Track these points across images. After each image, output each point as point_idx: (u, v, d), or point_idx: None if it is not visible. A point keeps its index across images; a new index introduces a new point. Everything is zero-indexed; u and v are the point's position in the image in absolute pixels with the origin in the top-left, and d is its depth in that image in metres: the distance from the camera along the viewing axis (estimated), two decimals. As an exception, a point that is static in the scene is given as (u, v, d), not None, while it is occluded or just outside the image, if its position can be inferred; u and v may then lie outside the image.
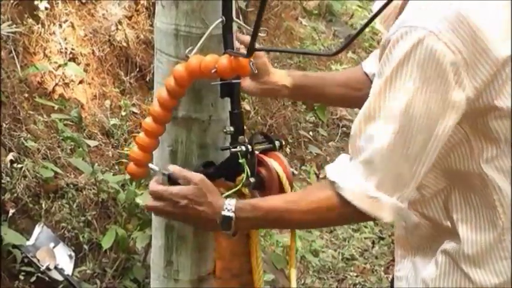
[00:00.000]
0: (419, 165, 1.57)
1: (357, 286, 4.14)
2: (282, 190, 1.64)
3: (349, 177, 1.58)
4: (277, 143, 1.69)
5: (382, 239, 4.59)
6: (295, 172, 1.74)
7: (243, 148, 1.61)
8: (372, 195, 1.56)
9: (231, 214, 1.58)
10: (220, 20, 1.57)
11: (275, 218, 1.62)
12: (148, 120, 1.62)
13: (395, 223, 1.90)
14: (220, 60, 1.52)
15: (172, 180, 1.62)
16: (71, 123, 3.84)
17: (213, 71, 1.52)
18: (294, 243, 1.74)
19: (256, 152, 1.65)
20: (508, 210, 1.72)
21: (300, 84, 2.00)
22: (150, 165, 1.67)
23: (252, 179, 1.62)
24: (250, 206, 1.61)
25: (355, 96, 2.01)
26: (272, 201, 1.63)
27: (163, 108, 1.59)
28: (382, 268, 4.31)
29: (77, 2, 4.30)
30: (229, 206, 1.59)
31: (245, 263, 1.66)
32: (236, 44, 1.68)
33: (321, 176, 5.12)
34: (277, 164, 1.64)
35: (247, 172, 1.61)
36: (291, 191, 1.65)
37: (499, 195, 1.70)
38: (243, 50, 1.65)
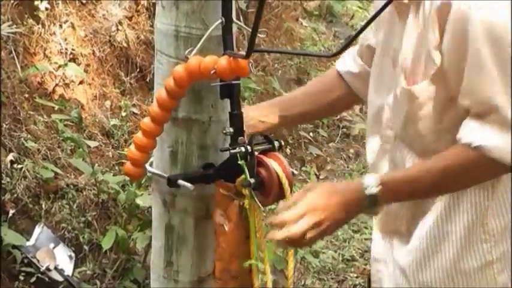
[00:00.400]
0: None
1: (357, 287, 4.14)
2: (281, 191, 1.64)
3: (489, 136, 1.64)
4: (276, 144, 1.69)
5: (382, 240, 4.58)
6: (295, 172, 1.74)
7: (243, 149, 1.61)
8: None
9: (376, 190, 1.63)
10: (220, 21, 1.57)
11: (418, 185, 1.68)
12: (147, 120, 1.62)
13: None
14: (219, 62, 1.52)
15: (172, 182, 1.62)
16: (71, 123, 3.84)
17: (212, 72, 1.52)
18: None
19: (256, 153, 1.65)
20: (500, 193, 1.77)
21: (274, 124, 2.00)
22: (148, 167, 1.67)
23: (252, 180, 1.62)
24: (392, 178, 1.69)
25: (327, 102, 2.04)
26: (411, 170, 1.71)
27: (162, 109, 1.59)
28: (382, 269, 4.31)
29: (77, 2, 4.30)
30: (371, 183, 1.64)
31: (248, 266, 1.66)
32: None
33: (321, 176, 5.12)
34: (276, 164, 1.64)
35: (246, 173, 1.61)
36: (291, 191, 1.65)
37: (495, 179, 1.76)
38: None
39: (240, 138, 1.63)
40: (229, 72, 1.53)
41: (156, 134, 1.63)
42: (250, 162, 1.62)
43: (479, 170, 1.68)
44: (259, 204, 1.65)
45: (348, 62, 2.05)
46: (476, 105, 1.66)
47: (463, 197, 1.77)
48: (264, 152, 1.68)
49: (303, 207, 1.61)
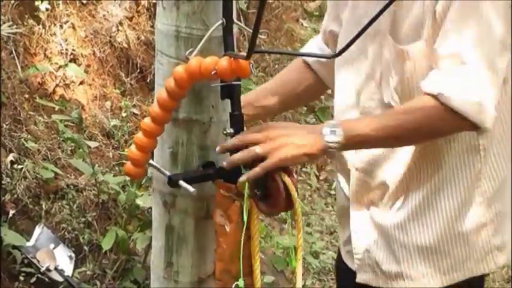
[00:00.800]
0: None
1: None
2: (287, 189, 1.62)
3: (452, 88, 1.65)
4: None
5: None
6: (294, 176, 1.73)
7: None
8: (478, 100, 1.65)
9: (336, 125, 1.64)
10: (220, 22, 1.57)
11: (382, 132, 1.66)
12: (147, 120, 1.62)
13: (353, 180, 1.93)
14: (220, 62, 1.52)
15: (173, 182, 1.62)
16: (71, 124, 3.85)
17: (213, 72, 1.52)
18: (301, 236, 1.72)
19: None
20: (492, 156, 1.82)
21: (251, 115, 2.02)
22: (151, 161, 1.67)
23: (258, 190, 1.61)
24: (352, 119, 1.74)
25: (298, 92, 2.09)
26: (374, 119, 1.72)
27: (162, 109, 1.59)
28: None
29: (77, 2, 4.30)
30: (330, 122, 1.66)
31: (245, 265, 1.65)
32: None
33: (321, 177, 5.12)
34: (284, 174, 1.62)
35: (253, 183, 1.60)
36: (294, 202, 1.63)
37: (485, 140, 1.80)
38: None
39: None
40: (230, 73, 1.53)
41: (157, 134, 1.63)
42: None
43: (441, 119, 1.68)
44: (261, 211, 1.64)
45: (315, 51, 2.10)
46: (445, 55, 1.68)
47: (457, 163, 1.81)
48: None
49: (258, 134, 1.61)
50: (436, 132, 1.73)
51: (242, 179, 1.58)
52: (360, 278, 1.96)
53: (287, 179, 1.59)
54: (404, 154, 1.83)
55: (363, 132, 1.66)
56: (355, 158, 1.89)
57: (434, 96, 1.66)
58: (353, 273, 1.99)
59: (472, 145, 1.81)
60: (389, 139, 1.70)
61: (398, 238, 1.87)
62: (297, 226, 1.65)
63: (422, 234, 1.85)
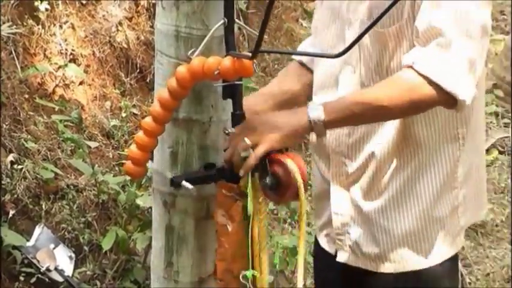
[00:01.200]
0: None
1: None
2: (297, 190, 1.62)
3: (429, 59, 1.70)
4: None
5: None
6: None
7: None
8: (457, 71, 1.70)
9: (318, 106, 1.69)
10: (222, 21, 1.57)
11: (361, 105, 1.71)
12: (148, 120, 1.62)
13: (332, 163, 1.97)
14: (223, 62, 1.52)
15: (175, 184, 1.62)
16: (71, 124, 3.84)
17: (216, 72, 1.52)
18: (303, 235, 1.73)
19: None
20: (468, 143, 1.88)
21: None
22: (150, 163, 1.67)
23: (268, 179, 1.61)
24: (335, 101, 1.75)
25: (297, 89, 2.11)
26: (353, 95, 1.77)
27: (163, 109, 1.59)
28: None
29: (77, 3, 4.30)
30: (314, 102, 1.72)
31: (247, 264, 1.66)
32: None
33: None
34: (293, 163, 1.62)
35: (260, 173, 1.61)
36: (305, 191, 1.64)
37: (464, 128, 1.87)
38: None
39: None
40: (233, 72, 1.53)
41: (158, 134, 1.63)
42: (261, 163, 1.61)
43: (416, 89, 1.72)
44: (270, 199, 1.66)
45: (309, 51, 2.14)
46: (425, 29, 1.73)
47: (437, 150, 1.87)
48: (280, 151, 1.67)
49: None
50: (415, 105, 1.75)
51: (241, 173, 1.61)
52: (341, 258, 2.00)
53: (296, 169, 1.60)
54: (383, 137, 1.87)
55: (343, 106, 1.72)
56: (333, 142, 1.94)
57: (411, 67, 1.71)
58: (332, 258, 2.02)
59: (451, 133, 1.87)
60: (369, 111, 1.74)
61: (379, 222, 1.92)
62: (300, 215, 1.66)
63: (402, 219, 1.91)
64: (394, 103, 1.73)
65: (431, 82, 1.70)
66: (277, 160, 1.62)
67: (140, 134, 1.63)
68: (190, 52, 1.57)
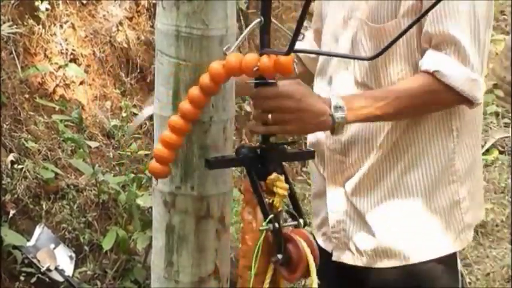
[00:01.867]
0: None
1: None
2: (308, 269, 1.63)
3: (445, 63, 1.79)
4: (301, 221, 1.68)
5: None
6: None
7: (271, 227, 1.61)
8: (473, 77, 1.80)
9: (339, 99, 1.74)
10: (258, 20, 1.58)
11: (380, 103, 1.77)
12: (175, 118, 1.61)
13: (328, 161, 2.00)
14: (262, 59, 1.53)
15: (210, 164, 1.63)
16: (71, 124, 3.85)
17: (255, 69, 1.53)
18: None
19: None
20: (465, 137, 1.92)
21: None
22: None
23: (279, 256, 1.62)
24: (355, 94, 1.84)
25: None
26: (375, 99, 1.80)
27: (193, 105, 1.59)
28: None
29: (77, 3, 4.30)
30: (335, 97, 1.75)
31: (267, 262, 1.66)
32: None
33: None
34: (305, 243, 1.64)
35: (275, 248, 1.61)
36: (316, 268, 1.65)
37: (457, 121, 1.91)
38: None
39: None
40: (272, 69, 1.54)
41: (185, 132, 1.62)
42: (278, 239, 1.62)
43: (436, 94, 1.81)
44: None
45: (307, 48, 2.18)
46: (438, 35, 1.80)
47: (431, 142, 1.90)
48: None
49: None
50: (434, 107, 1.86)
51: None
52: (337, 257, 2.01)
53: (307, 249, 1.61)
54: (377, 134, 1.90)
55: (366, 112, 1.78)
56: (328, 139, 1.97)
57: (431, 74, 1.79)
58: (328, 255, 2.03)
59: (444, 126, 1.91)
60: (390, 117, 1.83)
61: (373, 216, 1.93)
62: None
63: (397, 214, 1.92)
64: (418, 107, 1.84)
65: (450, 88, 1.79)
66: (290, 238, 1.63)
67: (167, 132, 1.62)
68: (225, 48, 1.57)
